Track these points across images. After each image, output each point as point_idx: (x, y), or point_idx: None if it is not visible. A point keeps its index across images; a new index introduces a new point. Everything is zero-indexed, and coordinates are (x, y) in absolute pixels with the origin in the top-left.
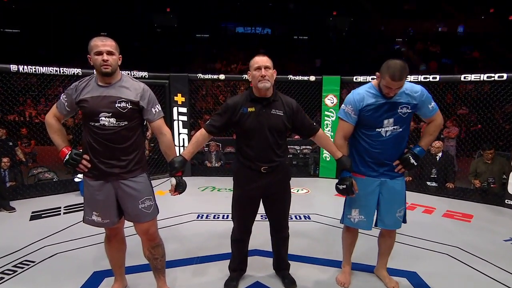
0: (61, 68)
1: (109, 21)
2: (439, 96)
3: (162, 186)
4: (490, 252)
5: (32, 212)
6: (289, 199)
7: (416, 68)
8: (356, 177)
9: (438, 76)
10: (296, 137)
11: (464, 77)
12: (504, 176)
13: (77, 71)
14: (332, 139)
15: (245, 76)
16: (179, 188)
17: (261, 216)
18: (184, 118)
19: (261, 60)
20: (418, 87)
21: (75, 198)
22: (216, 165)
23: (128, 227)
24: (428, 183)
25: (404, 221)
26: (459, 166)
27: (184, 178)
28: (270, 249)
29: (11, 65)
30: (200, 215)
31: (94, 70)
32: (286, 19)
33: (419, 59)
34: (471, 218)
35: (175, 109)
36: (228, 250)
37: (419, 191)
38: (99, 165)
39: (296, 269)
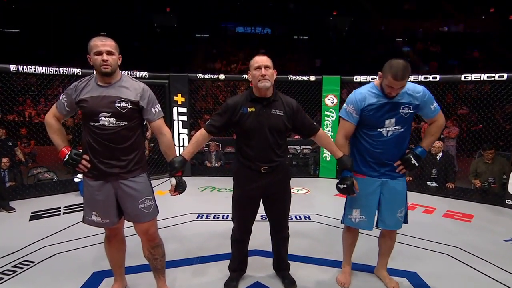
0: (60, 68)
1: (109, 21)
2: (439, 96)
3: (162, 186)
4: (491, 252)
5: (32, 212)
6: (289, 199)
7: (421, 68)
8: (357, 177)
9: (438, 76)
10: (296, 137)
11: (465, 77)
12: (505, 176)
13: (76, 71)
14: (332, 139)
15: (245, 76)
16: (179, 188)
17: (261, 216)
18: (184, 118)
19: (261, 59)
20: (420, 88)
21: (74, 198)
22: (216, 165)
23: (128, 227)
24: (428, 183)
25: (406, 222)
26: (459, 166)
27: (184, 178)
28: (270, 249)
29: (10, 65)
30: (200, 215)
31: (94, 70)
32: (286, 19)
33: (420, 60)
34: (471, 218)
35: (175, 109)
36: (228, 250)
37: (419, 191)
38: (99, 165)
39: (296, 269)
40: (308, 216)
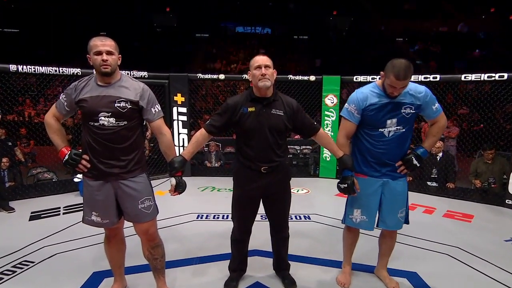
0: (60, 68)
1: (109, 21)
2: (440, 96)
3: (162, 186)
4: (491, 252)
5: (32, 212)
6: (289, 199)
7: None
8: (359, 177)
9: (438, 76)
10: (296, 137)
11: (465, 77)
12: (505, 176)
13: (76, 71)
14: (333, 139)
15: (245, 76)
16: (179, 188)
17: (261, 216)
18: (184, 118)
19: (261, 59)
20: (422, 88)
21: (74, 198)
22: (216, 165)
23: (128, 227)
24: (429, 183)
25: (407, 222)
26: (459, 166)
27: (184, 178)
28: (270, 249)
29: (10, 65)
30: (200, 215)
31: (94, 70)
32: (286, 18)
33: (424, 61)
34: (471, 218)
35: (174, 109)
36: (228, 250)
37: (420, 191)
38: (99, 165)
39: (296, 270)
40: (308, 216)
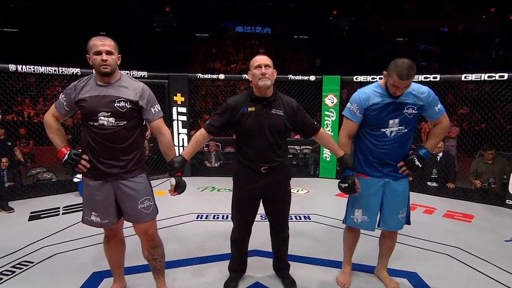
0: (59, 68)
1: (109, 21)
2: (440, 96)
3: (162, 186)
4: (491, 253)
5: (31, 213)
6: (289, 199)
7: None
8: (360, 177)
9: (438, 76)
10: (296, 137)
11: (465, 77)
12: (505, 176)
13: (76, 70)
14: (333, 138)
15: (245, 76)
16: (179, 188)
17: (261, 216)
18: (184, 118)
19: (261, 58)
20: (425, 88)
21: (74, 198)
22: (216, 165)
23: (128, 227)
24: (429, 183)
25: (408, 223)
26: (459, 166)
27: (183, 178)
28: (270, 250)
29: (9, 65)
30: (200, 216)
31: (93, 69)
32: (286, 18)
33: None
34: (471, 219)
35: (174, 109)
36: (228, 250)
37: (420, 191)
38: (98, 165)
39: (296, 270)
40: (308, 216)
